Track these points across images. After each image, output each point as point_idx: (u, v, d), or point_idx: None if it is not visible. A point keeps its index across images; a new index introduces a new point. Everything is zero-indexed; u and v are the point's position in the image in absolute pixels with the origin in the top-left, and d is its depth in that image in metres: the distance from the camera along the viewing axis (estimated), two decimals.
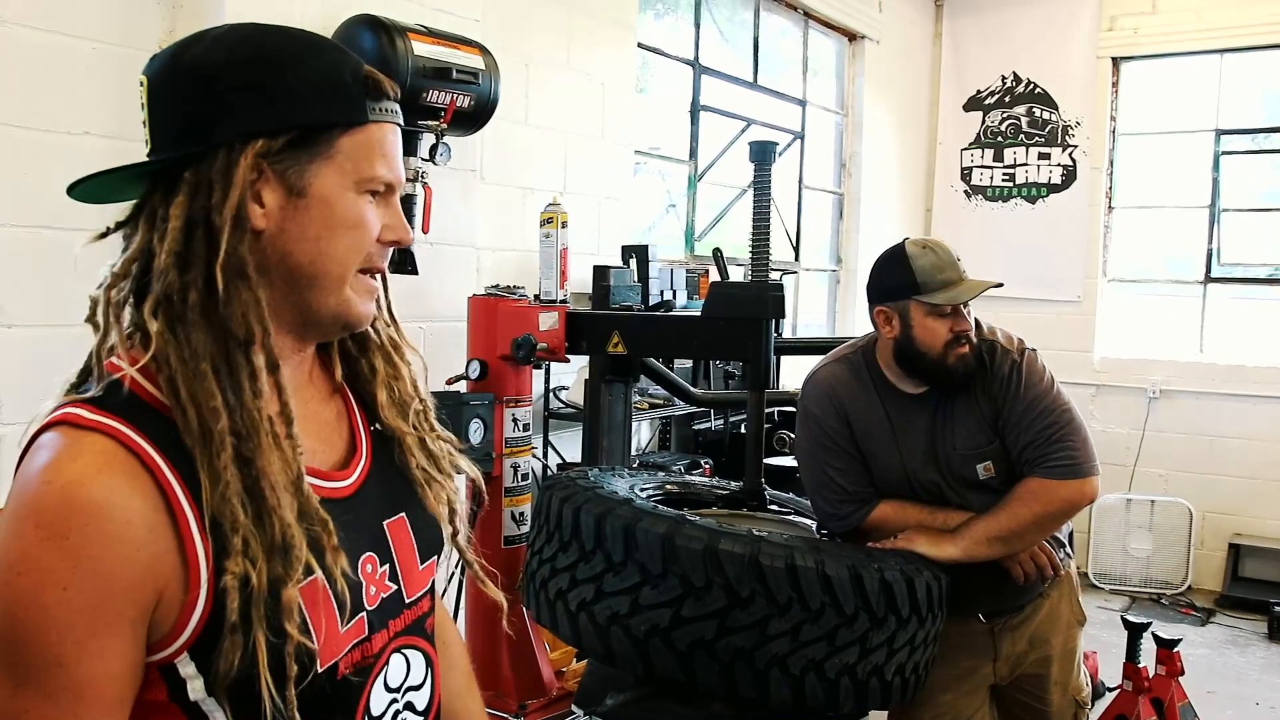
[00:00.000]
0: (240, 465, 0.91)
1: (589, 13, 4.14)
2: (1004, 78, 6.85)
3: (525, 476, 3.00)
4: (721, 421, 4.61)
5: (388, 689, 1.05)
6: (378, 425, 1.12)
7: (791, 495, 2.82)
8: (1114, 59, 6.63)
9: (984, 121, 6.95)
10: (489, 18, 3.33)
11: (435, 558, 1.14)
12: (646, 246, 3.99)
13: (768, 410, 2.64)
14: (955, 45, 7.01)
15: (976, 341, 2.29)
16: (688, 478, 2.93)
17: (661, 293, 4.01)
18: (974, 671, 2.42)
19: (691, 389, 3.33)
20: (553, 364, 3.48)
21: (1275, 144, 6.49)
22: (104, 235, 1.01)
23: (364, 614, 1.00)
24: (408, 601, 1.08)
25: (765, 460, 2.64)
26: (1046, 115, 6.74)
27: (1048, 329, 6.07)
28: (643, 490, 2.41)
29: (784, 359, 4.44)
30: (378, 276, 1.06)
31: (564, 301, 3.00)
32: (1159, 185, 6.69)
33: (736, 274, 3.92)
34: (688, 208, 5.15)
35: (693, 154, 5.10)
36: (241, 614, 0.88)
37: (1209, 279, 6.49)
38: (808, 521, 2.52)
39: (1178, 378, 6.37)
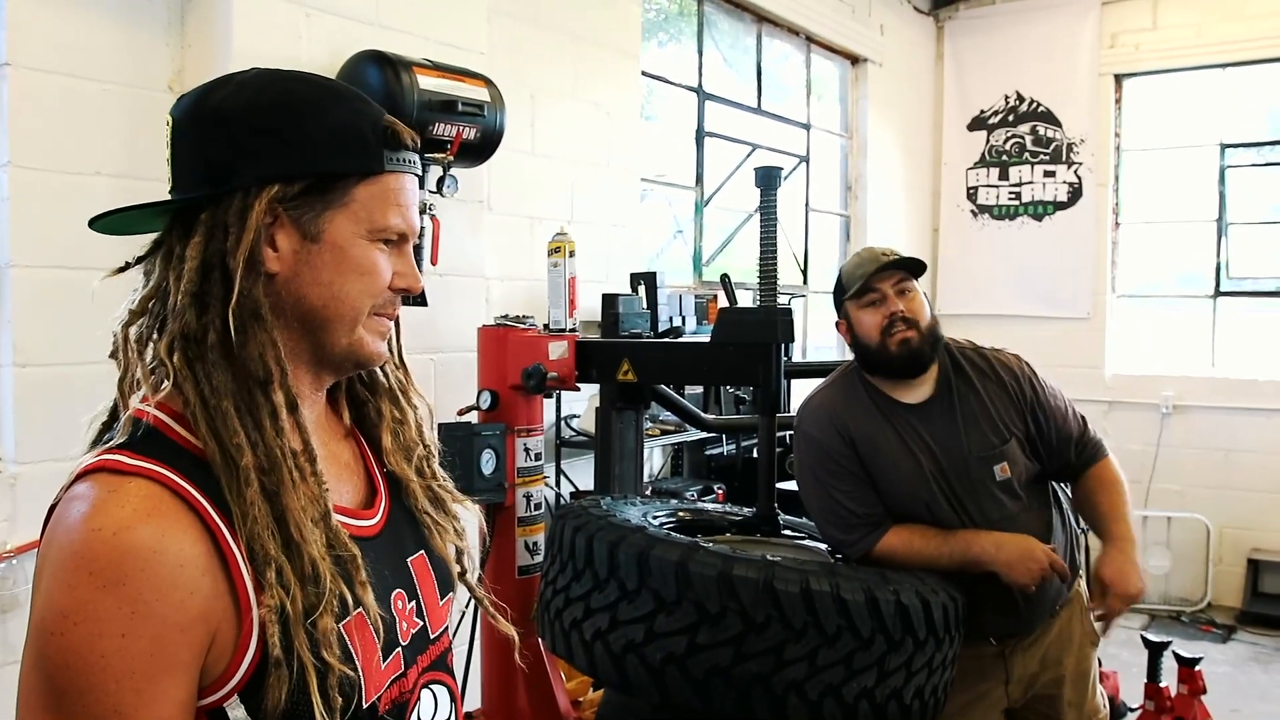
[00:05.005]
0: (267, 499, 0.91)
1: (593, 43, 4.17)
2: (1007, 97, 6.88)
3: (538, 506, 3.00)
4: (734, 447, 4.60)
5: None
6: (386, 468, 1.13)
7: (805, 519, 2.81)
8: (1116, 76, 6.65)
9: (988, 141, 6.97)
10: (493, 50, 3.36)
11: (450, 594, 1.15)
12: (655, 273, 4.00)
13: (779, 434, 2.63)
14: (958, 66, 7.04)
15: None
16: (700, 504, 2.93)
17: (670, 319, 4.01)
18: (986, 695, 2.38)
19: (702, 415, 3.32)
20: (563, 393, 3.48)
21: None
22: (122, 270, 1.02)
23: (400, 650, 1.02)
24: (432, 637, 1.10)
25: (778, 485, 2.64)
26: (1051, 133, 6.76)
27: (1057, 346, 6.06)
28: (655, 517, 2.41)
29: (794, 383, 4.43)
30: (390, 320, 1.07)
31: (573, 330, 3.00)
32: (1165, 200, 6.68)
33: (745, 298, 3.93)
34: (695, 233, 5.17)
35: (699, 180, 5.13)
36: (283, 646, 0.88)
37: (1219, 293, 6.47)
38: (822, 546, 2.51)
39: (1190, 392, 6.34)
